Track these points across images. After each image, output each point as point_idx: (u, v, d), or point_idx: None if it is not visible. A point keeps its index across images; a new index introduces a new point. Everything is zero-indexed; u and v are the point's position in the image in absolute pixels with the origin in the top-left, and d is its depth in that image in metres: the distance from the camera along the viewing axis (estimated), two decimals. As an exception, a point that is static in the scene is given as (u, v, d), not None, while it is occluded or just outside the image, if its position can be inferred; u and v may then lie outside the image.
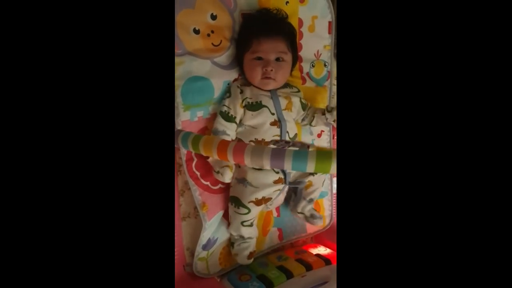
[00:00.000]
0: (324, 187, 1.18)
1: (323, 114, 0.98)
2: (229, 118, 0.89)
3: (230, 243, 1.00)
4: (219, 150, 0.56)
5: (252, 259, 0.98)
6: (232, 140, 0.92)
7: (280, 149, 0.51)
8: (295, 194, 1.05)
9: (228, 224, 0.98)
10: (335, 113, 0.95)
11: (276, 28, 0.90)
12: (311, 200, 1.03)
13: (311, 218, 1.02)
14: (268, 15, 0.92)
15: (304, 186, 1.01)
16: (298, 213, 1.04)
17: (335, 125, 1.00)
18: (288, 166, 0.51)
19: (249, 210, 0.92)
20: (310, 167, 0.50)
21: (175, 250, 0.92)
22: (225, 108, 0.89)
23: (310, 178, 1.00)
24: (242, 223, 0.93)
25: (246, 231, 0.95)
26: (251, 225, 0.96)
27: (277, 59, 0.90)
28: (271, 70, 0.88)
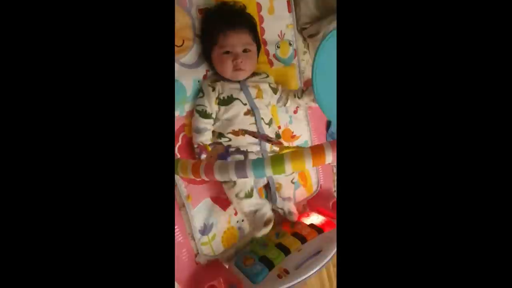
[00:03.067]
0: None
1: (295, 96, 1.02)
2: (206, 115, 0.93)
3: (246, 222, 1.07)
4: (193, 171, 0.61)
5: (270, 226, 0.96)
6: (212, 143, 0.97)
7: (242, 161, 0.57)
8: (270, 192, 1.09)
9: (225, 208, 1.05)
10: (306, 97, 1.00)
11: (239, 20, 0.93)
12: (289, 199, 1.11)
13: (289, 214, 1.11)
14: (229, 9, 0.94)
15: (275, 188, 1.07)
16: (279, 208, 1.11)
17: (311, 104, 1.03)
18: (250, 174, 0.57)
19: (234, 183, 0.94)
20: (268, 171, 0.56)
21: (183, 241, 0.99)
22: (201, 107, 0.93)
23: (278, 180, 1.07)
24: (236, 196, 0.95)
25: (247, 203, 0.96)
26: (249, 195, 0.95)
27: (244, 51, 0.93)
28: (241, 61, 0.91)
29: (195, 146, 0.97)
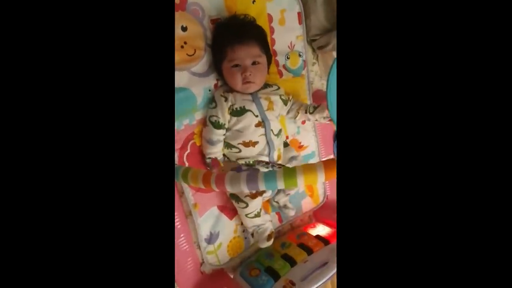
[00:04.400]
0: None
1: (306, 112, 1.03)
2: (220, 126, 0.94)
3: (250, 234, 1.09)
4: (204, 181, 0.61)
5: (272, 239, 1.04)
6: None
7: (253, 173, 0.57)
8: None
9: (231, 217, 1.07)
10: (317, 114, 1.01)
11: (247, 33, 0.93)
12: (287, 194, 1.13)
13: (284, 208, 1.12)
14: (238, 22, 0.94)
15: None
16: (274, 202, 1.13)
17: (321, 120, 1.04)
18: (261, 186, 0.57)
19: (247, 204, 1.00)
20: (280, 184, 0.56)
21: (188, 250, 1.00)
22: (214, 118, 0.94)
23: None
24: (246, 215, 1.02)
25: (256, 221, 1.03)
26: (258, 215, 1.03)
27: (253, 63, 0.93)
28: (250, 74, 0.91)
29: (207, 157, 0.97)
